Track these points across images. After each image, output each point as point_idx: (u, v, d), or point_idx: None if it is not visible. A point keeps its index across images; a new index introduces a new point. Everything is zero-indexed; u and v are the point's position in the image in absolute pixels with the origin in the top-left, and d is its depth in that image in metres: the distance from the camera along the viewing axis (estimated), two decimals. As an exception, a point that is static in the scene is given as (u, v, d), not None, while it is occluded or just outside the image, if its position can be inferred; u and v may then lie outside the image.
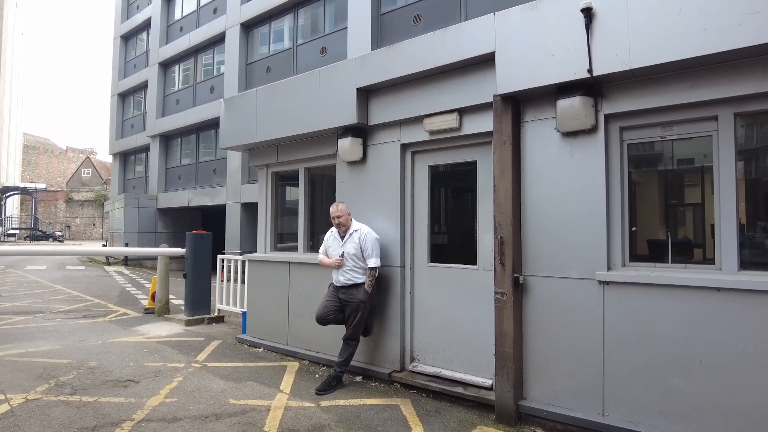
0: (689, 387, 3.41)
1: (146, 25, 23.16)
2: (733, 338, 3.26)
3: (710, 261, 3.64)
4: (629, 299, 3.66)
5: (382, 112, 5.15)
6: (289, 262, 6.07)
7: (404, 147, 5.11)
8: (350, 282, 4.89)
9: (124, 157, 25.43)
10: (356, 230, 4.94)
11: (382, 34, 12.78)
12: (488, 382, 4.42)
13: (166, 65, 21.60)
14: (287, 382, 5.09)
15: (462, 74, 4.55)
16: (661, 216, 4.49)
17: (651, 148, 4.19)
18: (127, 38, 25.28)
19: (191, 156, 20.54)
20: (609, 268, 3.78)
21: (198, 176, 19.83)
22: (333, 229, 5.09)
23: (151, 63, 22.09)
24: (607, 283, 3.73)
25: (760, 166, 4.17)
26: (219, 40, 18.68)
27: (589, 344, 3.81)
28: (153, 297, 8.99)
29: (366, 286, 4.84)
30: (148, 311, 8.99)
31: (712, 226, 3.92)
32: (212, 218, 21.29)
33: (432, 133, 4.80)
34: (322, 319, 4.97)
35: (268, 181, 6.61)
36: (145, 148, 22.93)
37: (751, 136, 3.99)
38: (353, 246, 4.88)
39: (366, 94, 5.24)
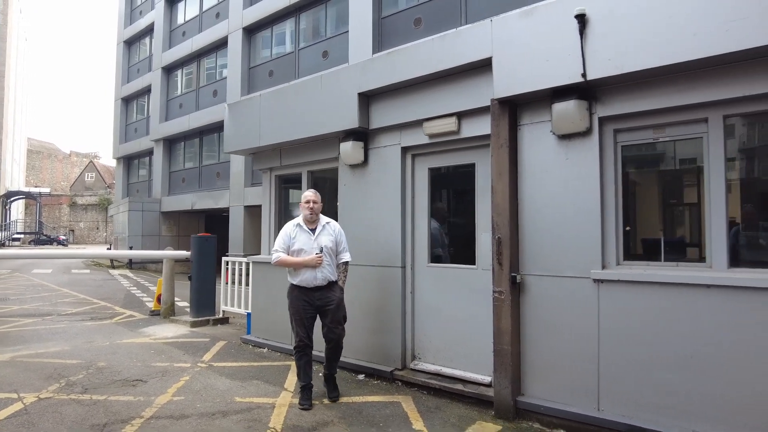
0: (680, 381, 3.51)
1: (149, 30, 23.37)
2: (723, 333, 3.36)
3: (704, 259, 3.74)
4: (623, 297, 3.76)
5: (382, 116, 5.28)
6: (293, 264, 6.18)
7: (405, 150, 5.23)
8: (328, 280, 4.49)
9: (128, 161, 25.62)
10: (328, 222, 4.66)
11: (383, 38, 12.89)
12: (487, 379, 4.53)
13: (169, 70, 21.78)
14: (291, 381, 5.20)
15: (461, 79, 4.67)
16: (657, 216, 4.60)
17: (646, 149, 4.31)
18: (131, 43, 25.50)
19: (195, 159, 20.70)
20: (603, 267, 3.88)
21: (201, 180, 19.99)
22: (298, 222, 4.59)
23: (154, 67, 22.28)
24: (602, 281, 3.84)
25: (750, 167, 4.29)
26: (222, 44, 18.84)
27: (585, 341, 3.91)
28: (158, 299, 9.13)
29: (341, 283, 4.63)
30: (153, 313, 9.12)
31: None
32: (216, 221, 21.45)
33: (431, 136, 4.92)
34: (310, 343, 4.53)
35: (271, 184, 6.74)
36: (149, 152, 23.11)
37: (743, 137, 4.11)
38: (330, 239, 4.55)
39: (367, 99, 5.36)
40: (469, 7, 10.99)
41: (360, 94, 5.26)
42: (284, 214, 6.83)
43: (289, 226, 4.64)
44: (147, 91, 23.25)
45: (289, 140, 6.06)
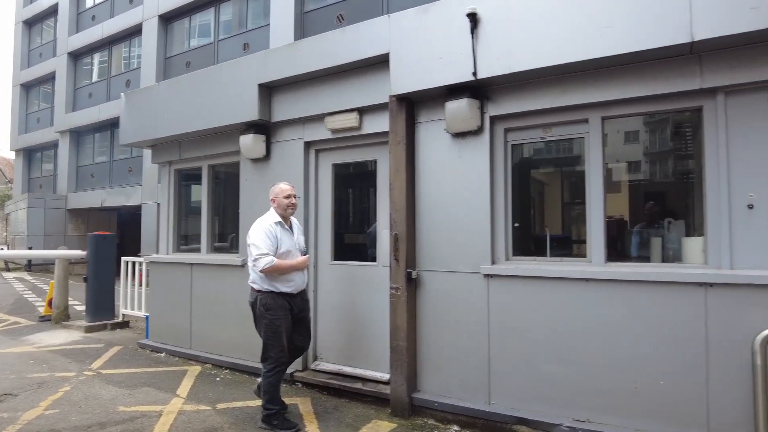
0: (562, 372, 3.64)
1: (53, 11, 21.48)
2: (599, 324, 3.52)
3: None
4: (511, 291, 3.86)
5: (285, 109, 5.10)
6: (192, 264, 5.86)
7: (308, 145, 5.09)
8: (306, 284, 4.20)
9: (30, 154, 23.45)
10: (295, 220, 4.31)
11: (305, 32, 12.66)
12: (386, 377, 4.49)
13: (76, 56, 20.19)
14: (185, 386, 4.91)
15: (362, 74, 4.60)
16: (548, 213, 4.80)
17: (538, 150, 4.47)
18: (31, 24, 23.31)
19: (106, 153, 19.35)
20: (493, 262, 3.96)
21: (112, 175, 18.73)
22: (278, 220, 4.02)
23: (59, 52, 20.54)
24: (491, 276, 3.91)
25: (634, 169, 4.59)
26: (136, 31, 17.73)
27: (477, 336, 3.97)
28: (50, 303, 8.36)
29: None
30: (43, 319, 8.34)
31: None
32: (130, 219, 20.16)
33: (334, 131, 4.82)
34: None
35: (170, 178, 6.35)
36: (54, 145, 21.29)
37: (631, 140, 4.38)
38: (302, 238, 4.27)
39: (269, 91, 5.16)
40: (391, 5, 11.03)
41: (260, 85, 5.05)
42: (184, 211, 6.47)
43: (271, 225, 3.96)
44: (51, 77, 21.41)
45: (189, 132, 5.73)
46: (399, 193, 4.21)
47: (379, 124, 4.57)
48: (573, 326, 3.62)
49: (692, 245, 3.54)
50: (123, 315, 7.96)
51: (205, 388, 4.86)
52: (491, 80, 3.88)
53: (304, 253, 4.19)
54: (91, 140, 19.89)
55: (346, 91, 4.69)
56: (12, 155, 27.21)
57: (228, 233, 6.03)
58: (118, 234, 20.99)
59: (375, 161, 4.78)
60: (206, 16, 16.05)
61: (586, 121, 3.79)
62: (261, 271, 3.85)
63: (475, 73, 3.83)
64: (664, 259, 3.77)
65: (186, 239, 6.45)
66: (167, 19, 16.89)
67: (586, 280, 3.60)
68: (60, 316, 8.05)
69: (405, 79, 4.16)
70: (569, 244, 4.29)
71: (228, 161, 5.78)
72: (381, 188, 4.70)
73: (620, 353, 3.45)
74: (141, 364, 5.70)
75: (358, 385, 4.52)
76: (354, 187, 5.42)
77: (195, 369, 5.48)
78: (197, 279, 5.81)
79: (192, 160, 6.09)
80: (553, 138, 4.04)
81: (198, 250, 6.06)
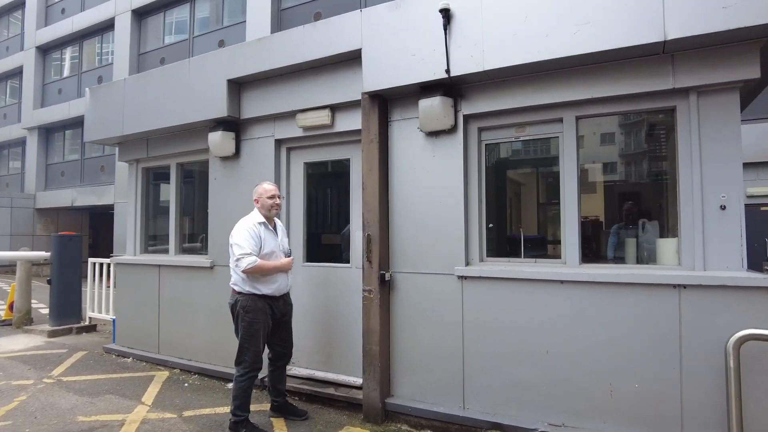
0: (537, 376, 3.58)
1: (20, 2, 20.77)
2: (574, 327, 3.47)
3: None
4: (485, 293, 3.78)
5: (255, 105, 4.94)
6: (159, 265, 5.65)
7: (279, 142, 4.94)
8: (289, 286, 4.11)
9: (-4, 151, 22.67)
10: (279, 221, 4.21)
11: (282, 30, 12.43)
12: (359, 381, 4.37)
13: (45, 50, 19.56)
14: (151, 393, 4.72)
15: (334, 70, 4.48)
16: (523, 214, 4.74)
17: (513, 150, 4.40)
18: (-2, 16, 22.55)
19: (77, 151, 18.78)
20: (467, 263, 3.88)
21: (84, 173, 18.18)
22: (262, 220, 3.93)
23: (26, 46, 19.87)
24: (465, 277, 3.83)
25: (609, 169, 4.56)
26: (108, 26, 17.29)
27: (451, 339, 3.88)
28: (11, 307, 8.02)
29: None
30: (4, 323, 7.98)
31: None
32: (102, 219, 19.62)
33: (305, 129, 4.69)
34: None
35: (138, 177, 6.12)
36: (21, 142, 20.59)
37: (597, 141, 4.34)
38: (286, 240, 4.17)
39: (238, 87, 5.00)
40: (369, 2, 10.92)
41: (229, 81, 4.88)
42: (153, 211, 6.25)
43: (254, 225, 3.87)
44: (19, 72, 20.68)
45: (156, 129, 5.52)
46: (372, 193, 4.10)
47: (351, 121, 4.46)
48: (548, 329, 3.56)
49: (667, 246, 3.51)
50: (90, 318, 7.68)
51: (172, 394, 4.68)
52: (465, 78, 3.79)
53: (288, 254, 4.06)
54: (61, 137, 19.30)
55: (318, 88, 4.56)
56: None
57: (197, 234, 5.84)
58: (91, 234, 20.53)
59: (348, 160, 4.66)
60: (182, 12, 15.72)
61: (560, 120, 3.73)
62: (243, 271, 3.74)
63: (448, 71, 3.74)
64: (640, 261, 3.74)
65: (155, 240, 6.23)
66: (141, 14, 16.49)
67: (561, 281, 3.54)
68: (22, 320, 7.72)
69: (377, 76, 4.05)
70: (545, 245, 4.23)
71: (197, 159, 5.59)
72: (354, 188, 4.58)
73: (595, 356, 3.40)
74: (105, 370, 5.48)
75: (331, 390, 4.39)
76: (331, 187, 5.29)
77: (162, 374, 5.28)
78: (165, 281, 5.61)
79: (160, 158, 5.88)
80: (527, 137, 3.97)
81: (167, 251, 5.85)
